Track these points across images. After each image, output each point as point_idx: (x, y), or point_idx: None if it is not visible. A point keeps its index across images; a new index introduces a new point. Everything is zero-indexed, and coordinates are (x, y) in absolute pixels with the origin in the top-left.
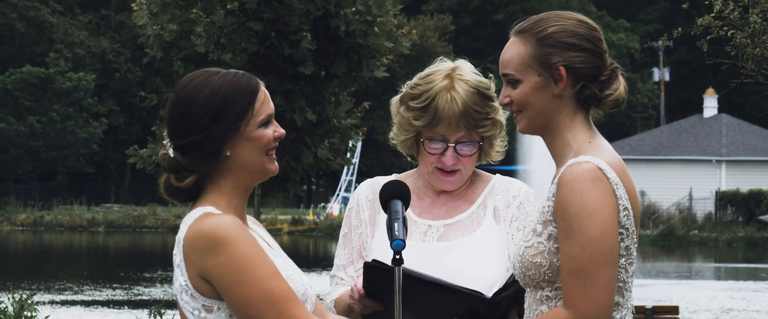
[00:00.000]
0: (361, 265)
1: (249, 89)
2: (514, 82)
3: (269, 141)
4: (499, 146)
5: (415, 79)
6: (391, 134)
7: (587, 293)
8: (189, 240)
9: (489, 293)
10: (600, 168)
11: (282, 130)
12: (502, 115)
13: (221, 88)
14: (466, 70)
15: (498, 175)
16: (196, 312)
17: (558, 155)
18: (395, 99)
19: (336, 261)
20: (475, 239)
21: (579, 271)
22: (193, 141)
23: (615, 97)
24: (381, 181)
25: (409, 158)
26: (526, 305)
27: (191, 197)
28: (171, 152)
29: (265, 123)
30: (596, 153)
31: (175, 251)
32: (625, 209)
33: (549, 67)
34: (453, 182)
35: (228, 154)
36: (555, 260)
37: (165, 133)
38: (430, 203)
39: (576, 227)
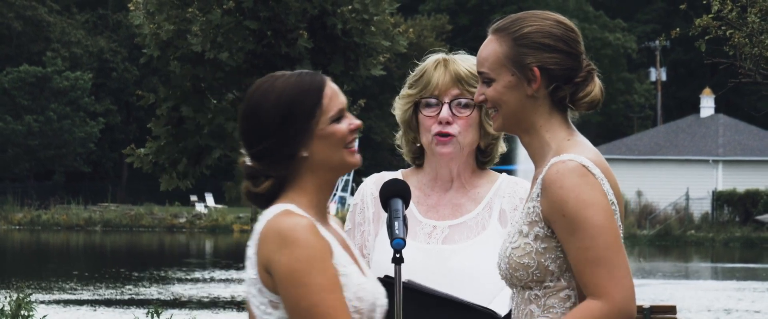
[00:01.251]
0: None
1: (313, 87)
2: (488, 81)
3: (344, 135)
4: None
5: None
6: (397, 140)
7: (614, 279)
8: (264, 233)
9: (494, 302)
10: (584, 165)
11: (357, 122)
12: None
13: (285, 90)
14: (461, 54)
15: (504, 174)
16: (263, 307)
17: (537, 155)
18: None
19: None
20: (479, 242)
21: (599, 260)
22: (267, 146)
23: (589, 100)
24: (387, 176)
25: (411, 163)
26: (513, 306)
27: (271, 200)
28: (247, 160)
29: (338, 118)
30: (577, 151)
31: (249, 244)
32: (613, 203)
33: (523, 67)
34: (451, 147)
35: (305, 155)
36: (543, 260)
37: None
38: (436, 201)
39: (581, 220)
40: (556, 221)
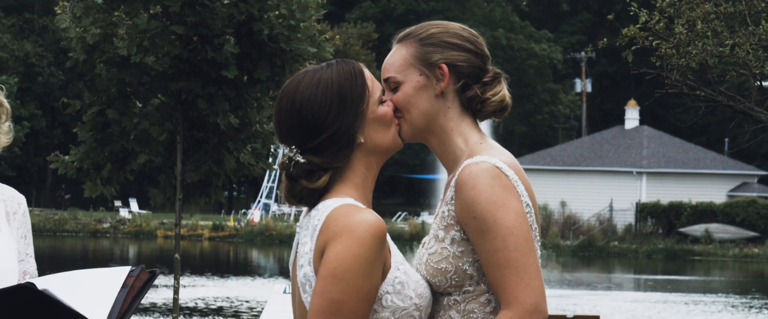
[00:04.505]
0: None
1: (357, 71)
2: (396, 86)
3: (391, 115)
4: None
5: None
6: None
7: (523, 282)
8: (327, 224)
9: None
10: (497, 166)
11: (391, 102)
12: None
13: (332, 79)
14: None
15: None
16: None
17: (449, 160)
18: None
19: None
20: None
21: (508, 262)
22: (327, 138)
23: (498, 99)
24: None
25: None
26: (432, 312)
27: (320, 197)
28: (300, 158)
29: (381, 101)
30: (490, 153)
31: (303, 241)
32: (527, 205)
33: (430, 65)
34: None
35: (362, 141)
36: (461, 264)
37: (279, 144)
38: None
39: (491, 221)
40: (467, 223)
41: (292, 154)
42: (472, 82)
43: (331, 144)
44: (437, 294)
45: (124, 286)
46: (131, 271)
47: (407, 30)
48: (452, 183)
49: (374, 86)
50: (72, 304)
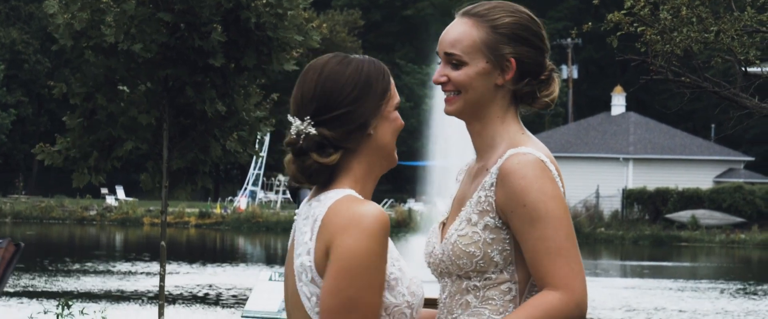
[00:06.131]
0: None
1: (385, 71)
2: (458, 64)
3: (401, 126)
4: None
5: None
6: None
7: (574, 271)
8: (329, 217)
9: None
10: (542, 160)
11: (402, 122)
12: None
13: (364, 65)
14: None
15: None
16: (314, 299)
17: (486, 144)
18: None
19: None
20: None
21: (559, 251)
22: (342, 114)
23: (550, 99)
24: None
25: None
26: (444, 295)
27: (328, 180)
28: (312, 130)
29: (396, 110)
30: (532, 146)
31: (303, 230)
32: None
33: (500, 56)
34: None
35: (371, 132)
36: (489, 251)
37: (292, 117)
38: None
39: (543, 211)
40: (514, 211)
41: (303, 127)
42: (531, 77)
43: (344, 122)
44: (455, 276)
45: None
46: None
47: (478, 8)
48: (494, 170)
49: (394, 94)
50: None
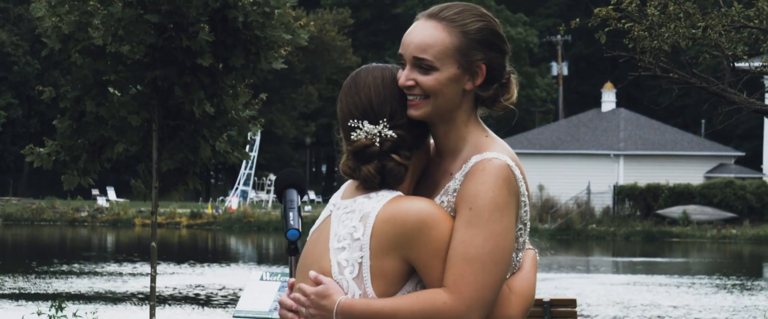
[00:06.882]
0: None
1: None
2: (428, 68)
3: None
4: None
5: None
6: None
7: (476, 282)
8: (385, 219)
9: None
10: (509, 166)
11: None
12: None
13: None
14: None
15: None
16: (356, 291)
17: (451, 147)
18: None
19: None
20: None
21: (475, 259)
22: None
23: (510, 102)
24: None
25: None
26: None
27: (400, 180)
28: (391, 133)
29: None
30: (498, 149)
31: (352, 224)
32: (525, 205)
33: (471, 62)
34: None
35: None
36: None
37: (356, 121)
38: None
39: (484, 219)
40: (461, 210)
41: (379, 129)
42: (493, 81)
43: (416, 125)
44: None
45: None
46: None
47: (447, 12)
48: (458, 176)
49: None
50: None
